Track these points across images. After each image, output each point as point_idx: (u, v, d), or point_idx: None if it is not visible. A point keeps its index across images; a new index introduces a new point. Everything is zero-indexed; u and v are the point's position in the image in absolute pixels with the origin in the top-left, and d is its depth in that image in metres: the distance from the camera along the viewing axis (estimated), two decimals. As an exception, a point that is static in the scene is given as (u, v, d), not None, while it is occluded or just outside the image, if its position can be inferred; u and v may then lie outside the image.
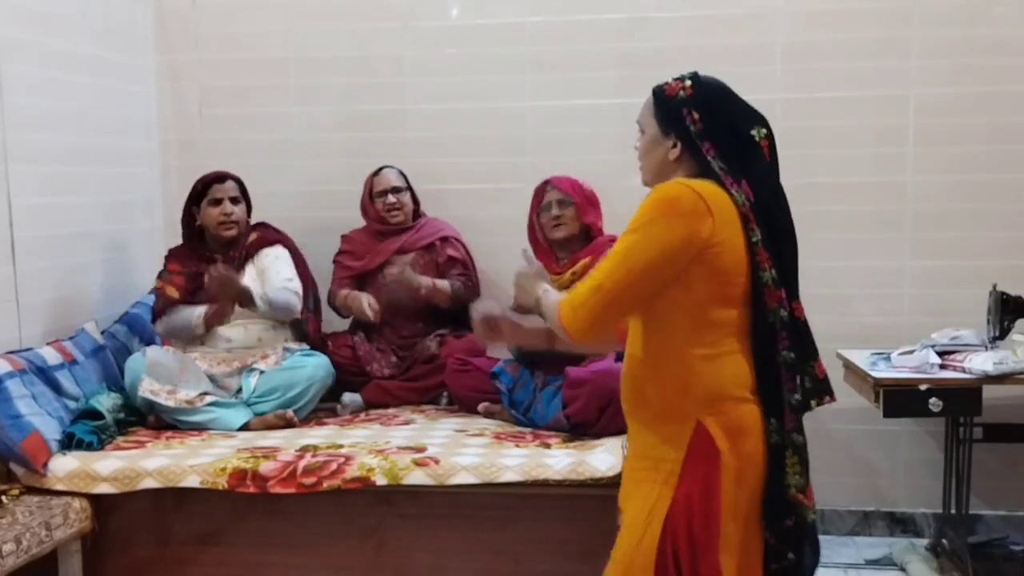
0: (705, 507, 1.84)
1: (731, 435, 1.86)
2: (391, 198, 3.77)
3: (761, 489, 1.89)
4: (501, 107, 3.92)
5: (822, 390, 1.96)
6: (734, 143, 1.95)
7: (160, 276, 3.60)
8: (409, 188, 3.83)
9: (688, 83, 1.98)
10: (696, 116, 1.94)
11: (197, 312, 3.48)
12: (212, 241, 3.61)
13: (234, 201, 3.57)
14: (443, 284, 3.68)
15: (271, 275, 3.57)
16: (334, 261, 3.85)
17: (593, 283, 1.87)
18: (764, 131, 1.97)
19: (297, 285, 3.60)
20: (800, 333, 1.94)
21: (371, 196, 3.81)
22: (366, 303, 3.64)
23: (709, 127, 1.94)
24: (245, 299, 3.44)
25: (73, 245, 3.54)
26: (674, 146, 1.96)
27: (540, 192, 3.52)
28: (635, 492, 1.93)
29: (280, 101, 4.07)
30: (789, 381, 1.91)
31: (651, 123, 2.00)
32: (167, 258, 3.64)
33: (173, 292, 3.52)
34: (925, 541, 3.70)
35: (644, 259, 1.84)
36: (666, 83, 2.00)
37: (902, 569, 3.53)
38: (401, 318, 3.74)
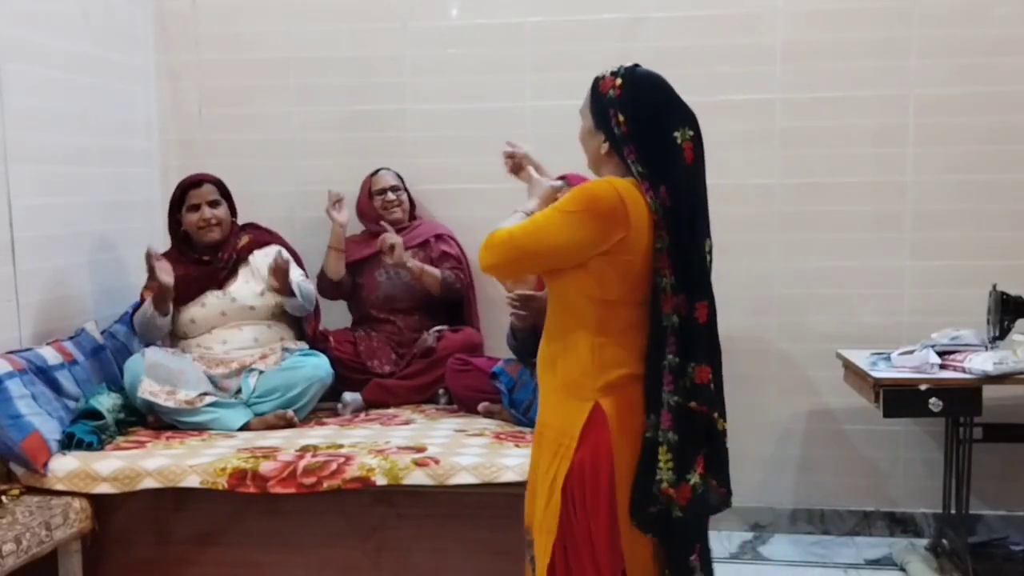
0: (594, 474, 1.99)
1: (621, 412, 2.00)
2: (390, 195, 3.81)
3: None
4: (501, 107, 3.92)
5: (698, 395, 2.00)
6: (656, 147, 1.99)
7: (145, 285, 3.58)
8: (405, 190, 3.88)
9: (619, 81, 2.01)
10: (621, 119, 2.00)
11: (148, 301, 3.47)
12: (198, 245, 3.61)
13: (213, 204, 3.56)
14: (432, 270, 3.70)
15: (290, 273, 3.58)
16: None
17: (508, 233, 2.01)
18: (690, 133, 2.00)
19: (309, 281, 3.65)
20: (693, 336, 2.00)
21: (369, 195, 3.84)
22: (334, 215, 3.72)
23: (632, 131, 1.99)
24: (283, 285, 3.50)
25: (73, 245, 3.55)
26: (604, 141, 2.04)
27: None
28: (542, 456, 2.10)
29: (280, 101, 4.07)
30: (670, 383, 2.00)
31: (587, 115, 2.09)
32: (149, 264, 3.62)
33: (147, 295, 3.52)
34: (925, 541, 3.70)
35: (552, 239, 1.97)
36: (604, 75, 2.06)
37: (902, 569, 3.53)
38: (399, 313, 3.77)
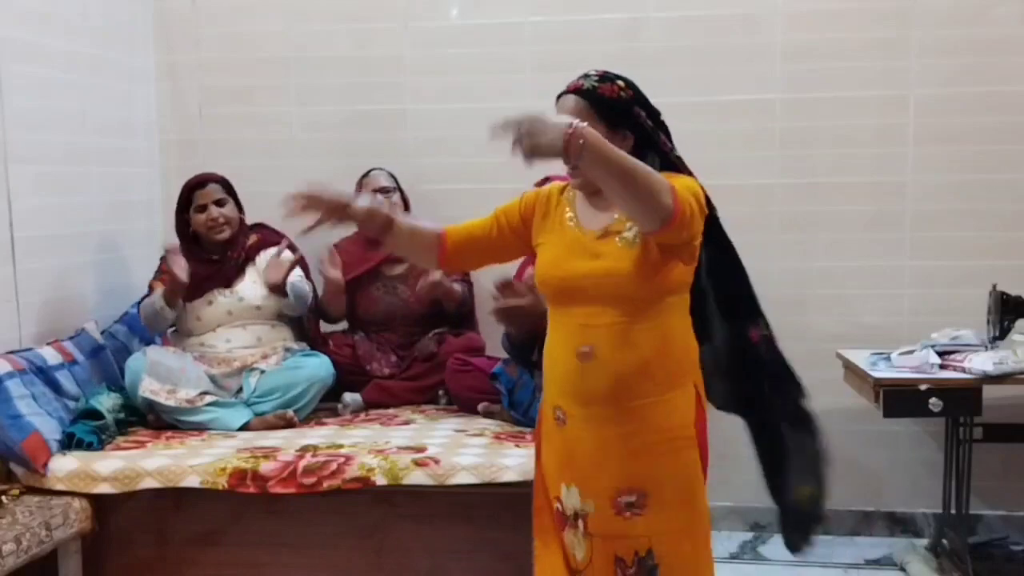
0: (704, 456, 2.08)
1: (702, 391, 2.11)
2: (380, 198, 3.76)
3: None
4: (501, 107, 3.89)
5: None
6: (667, 134, 2.11)
7: (153, 276, 3.60)
8: (399, 189, 3.83)
9: (621, 83, 2.06)
10: (644, 114, 2.06)
11: (157, 292, 3.48)
12: (208, 244, 3.61)
13: (219, 203, 3.57)
14: (455, 288, 3.66)
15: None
16: (319, 271, 3.83)
17: (692, 198, 1.94)
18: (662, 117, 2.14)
19: (309, 284, 3.65)
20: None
21: None
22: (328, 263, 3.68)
23: (656, 122, 2.09)
24: (279, 286, 3.52)
25: (73, 245, 3.55)
26: (625, 138, 2.03)
27: (540, 186, 3.51)
28: (662, 465, 2.04)
29: (280, 101, 4.07)
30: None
31: (592, 124, 1.93)
32: (162, 259, 3.62)
33: (156, 286, 3.53)
34: (925, 541, 3.70)
35: (698, 222, 1.98)
36: (592, 86, 2.04)
37: (902, 569, 3.53)
38: (400, 317, 3.75)
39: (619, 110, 2.02)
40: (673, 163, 2.07)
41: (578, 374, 2.04)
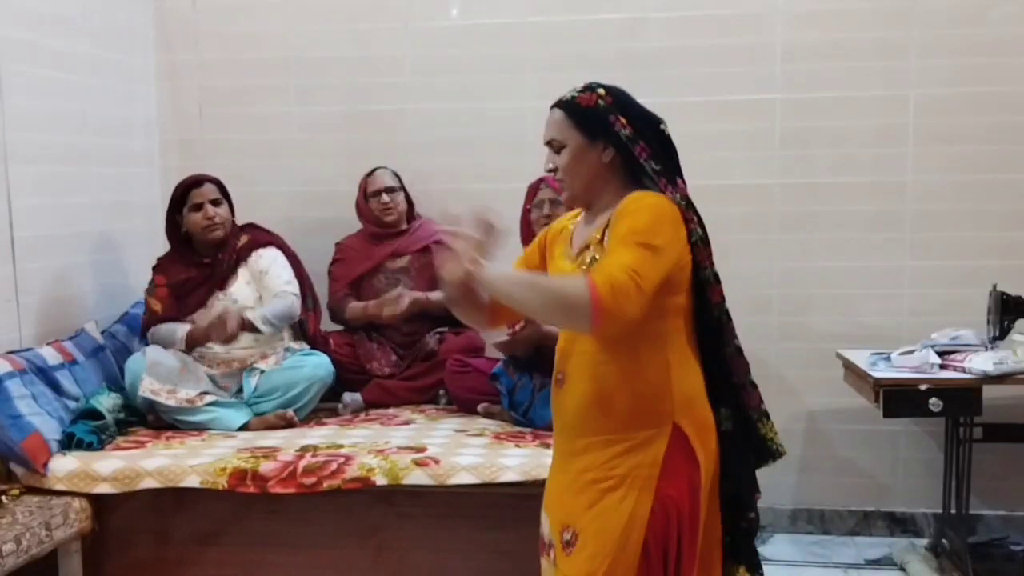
0: (692, 506, 1.91)
1: (700, 434, 1.93)
2: (385, 197, 3.76)
3: (716, 475, 1.97)
4: (501, 107, 3.92)
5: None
6: (657, 141, 1.98)
7: (147, 290, 3.57)
8: (403, 189, 3.83)
9: (602, 91, 1.99)
10: (623, 120, 1.95)
11: (179, 334, 3.45)
12: (199, 245, 3.59)
13: (215, 203, 3.55)
14: (436, 295, 3.63)
15: (270, 279, 3.55)
16: (328, 271, 3.84)
17: (625, 268, 1.77)
18: (665, 126, 2.01)
19: (295, 287, 3.59)
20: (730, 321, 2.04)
21: (365, 196, 3.81)
22: (395, 299, 3.60)
23: (637, 129, 1.96)
24: (248, 329, 3.45)
25: (73, 245, 3.55)
26: (605, 149, 1.96)
27: (534, 189, 3.52)
28: (599, 504, 1.90)
29: (280, 101, 4.07)
30: (744, 365, 2.02)
31: (572, 135, 1.97)
32: (154, 269, 3.60)
33: (157, 306, 3.51)
34: (925, 541, 3.70)
35: (667, 263, 1.84)
36: (572, 96, 2.00)
37: (902, 569, 3.53)
38: (401, 317, 3.75)
39: (596, 119, 1.96)
40: (649, 175, 1.95)
41: (555, 399, 2.03)
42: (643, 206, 1.87)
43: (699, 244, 1.93)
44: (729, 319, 2.01)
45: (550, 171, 2.03)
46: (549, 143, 2.02)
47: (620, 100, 1.98)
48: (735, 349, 2.01)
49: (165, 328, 3.49)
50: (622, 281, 1.75)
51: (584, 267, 1.92)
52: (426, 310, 3.64)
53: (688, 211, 1.92)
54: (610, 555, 1.88)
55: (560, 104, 2.01)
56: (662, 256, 1.82)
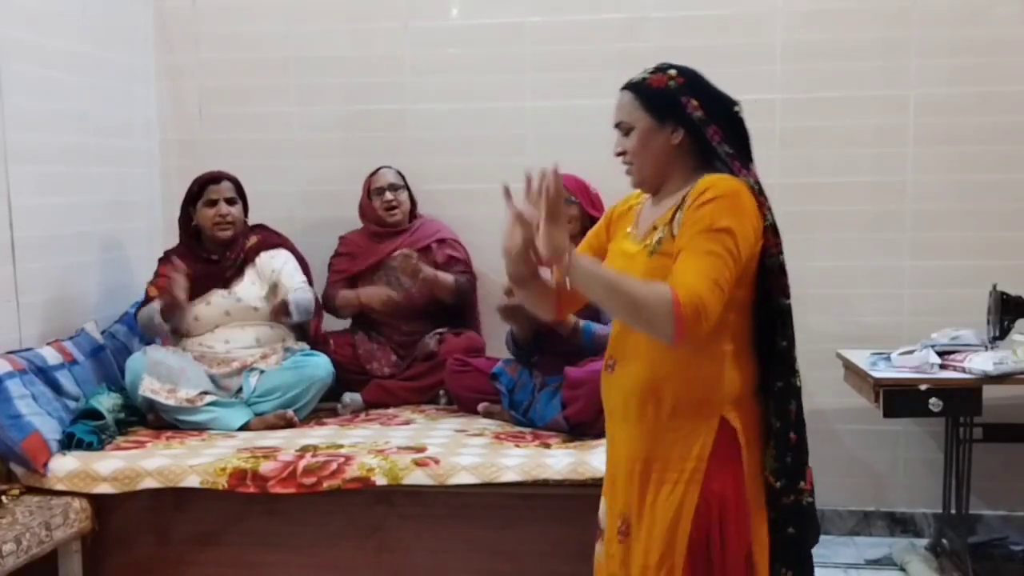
0: (738, 503, 1.87)
1: (748, 430, 1.89)
2: (388, 195, 3.77)
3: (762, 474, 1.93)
4: (501, 107, 3.92)
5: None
6: (731, 125, 1.95)
7: (150, 281, 3.59)
8: (406, 187, 3.84)
9: (673, 72, 1.94)
10: (696, 103, 1.92)
11: (155, 305, 3.46)
12: (209, 242, 3.61)
13: (230, 202, 3.57)
14: (445, 276, 3.68)
15: (285, 278, 3.58)
16: (329, 262, 3.85)
17: (708, 281, 1.76)
18: (740, 108, 1.96)
19: (311, 289, 3.63)
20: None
21: (369, 195, 3.82)
22: (383, 292, 3.69)
23: (709, 111, 1.92)
24: (282, 312, 3.50)
25: (73, 245, 3.54)
26: (674, 131, 1.93)
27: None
28: (649, 496, 1.91)
29: (280, 101, 4.07)
30: (793, 363, 1.95)
31: (641, 117, 1.94)
32: (160, 261, 3.63)
33: (153, 292, 3.53)
34: (925, 541, 3.70)
35: (744, 256, 1.83)
36: (644, 77, 1.96)
37: (902, 569, 3.53)
38: (401, 316, 3.75)
39: (666, 101, 1.92)
40: (721, 157, 1.92)
41: (604, 385, 2.01)
42: (721, 192, 1.83)
43: (770, 231, 1.91)
44: (785, 316, 1.96)
45: (619, 154, 1.99)
46: (618, 125, 1.99)
47: (692, 81, 1.94)
48: (788, 344, 1.96)
49: (145, 308, 3.50)
50: (706, 298, 1.74)
51: (649, 249, 1.90)
52: (433, 290, 3.66)
53: (761, 196, 1.90)
54: (659, 548, 1.88)
55: (630, 86, 1.97)
56: (740, 248, 1.82)
